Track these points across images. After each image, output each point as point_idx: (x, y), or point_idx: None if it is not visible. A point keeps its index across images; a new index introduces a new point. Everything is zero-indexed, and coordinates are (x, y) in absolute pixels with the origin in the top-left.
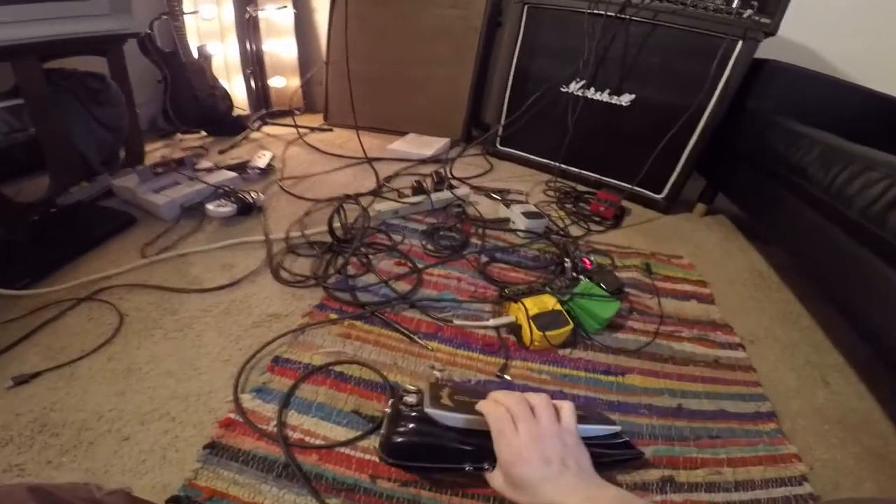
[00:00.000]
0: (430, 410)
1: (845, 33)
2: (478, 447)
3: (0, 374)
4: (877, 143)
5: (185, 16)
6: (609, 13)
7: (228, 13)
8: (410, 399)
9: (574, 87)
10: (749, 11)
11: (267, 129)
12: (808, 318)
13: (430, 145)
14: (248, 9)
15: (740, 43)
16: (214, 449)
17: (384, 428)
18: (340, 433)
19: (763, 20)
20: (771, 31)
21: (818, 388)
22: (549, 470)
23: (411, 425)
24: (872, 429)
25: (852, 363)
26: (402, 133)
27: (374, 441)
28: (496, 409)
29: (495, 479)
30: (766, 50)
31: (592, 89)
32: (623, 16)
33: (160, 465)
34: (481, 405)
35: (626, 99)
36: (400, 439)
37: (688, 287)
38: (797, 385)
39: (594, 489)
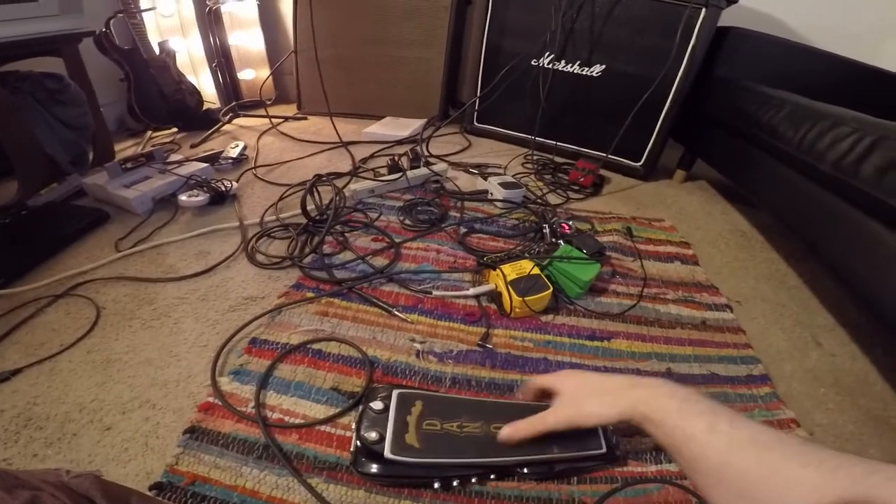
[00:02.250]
0: (391, 456)
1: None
2: (459, 469)
3: None
4: (842, 106)
5: (141, 13)
6: None
7: (188, 8)
8: (377, 406)
9: (544, 61)
10: None
11: (239, 121)
12: (794, 277)
13: (407, 126)
14: (208, 2)
15: (703, 10)
16: (195, 433)
17: (354, 435)
18: (320, 411)
19: None
20: None
21: (810, 349)
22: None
23: (374, 467)
24: (870, 391)
25: (843, 323)
26: (379, 117)
27: (353, 418)
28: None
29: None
30: (734, 18)
31: (563, 62)
32: None
33: (143, 452)
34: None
35: (596, 70)
36: (367, 472)
37: (671, 248)
38: (788, 346)
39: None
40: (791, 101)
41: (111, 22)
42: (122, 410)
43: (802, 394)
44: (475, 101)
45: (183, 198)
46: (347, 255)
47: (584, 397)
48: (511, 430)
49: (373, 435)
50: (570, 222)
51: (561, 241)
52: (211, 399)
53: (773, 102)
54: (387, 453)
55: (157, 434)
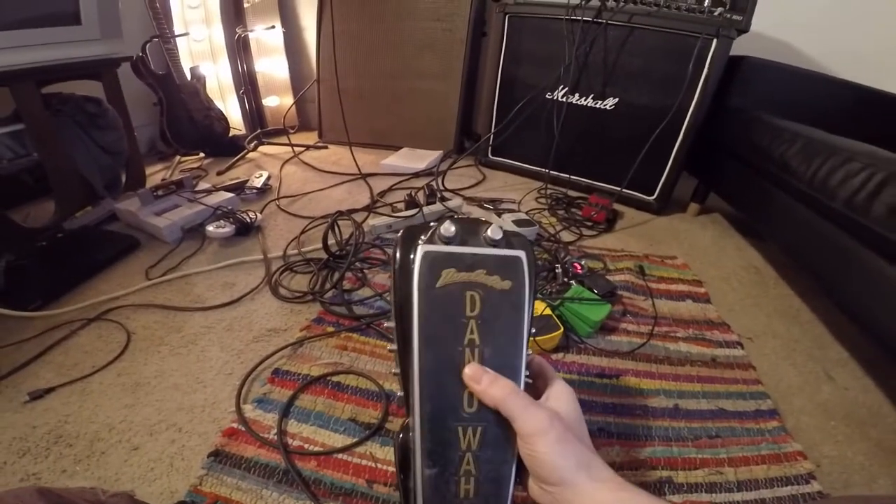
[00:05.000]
0: (426, 248)
1: (822, 26)
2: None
3: (16, 389)
4: (859, 134)
5: (175, 38)
6: (586, 18)
7: (218, 34)
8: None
9: (558, 94)
10: (720, 9)
11: (263, 148)
12: (807, 312)
13: (423, 158)
14: (237, 30)
15: (715, 41)
16: (218, 457)
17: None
18: (338, 440)
19: (735, 17)
20: (743, 28)
21: (822, 383)
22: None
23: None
24: (882, 423)
25: (857, 357)
26: (396, 147)
27: (370, 447)
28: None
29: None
30: (749, 47)
31: (577, 95)
32: (600, 20)
33: (167, 472)
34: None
35: (609, 103)
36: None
37: (682, 287)
38: (799, 381)
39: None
40: (804, 135)
41: (147, 46)
42: (149, 432)
43: (812, 427)
44: (490, 135)
45: (210, 228)
46: (366, 292)
47: (564, 427)
48: (476, 373)
49: (452, 229)
50: (583, 262)
51: (573, 282)
52: (235, 425)
53: (785, 136)
54: (423, 246)
55: (183, 456)
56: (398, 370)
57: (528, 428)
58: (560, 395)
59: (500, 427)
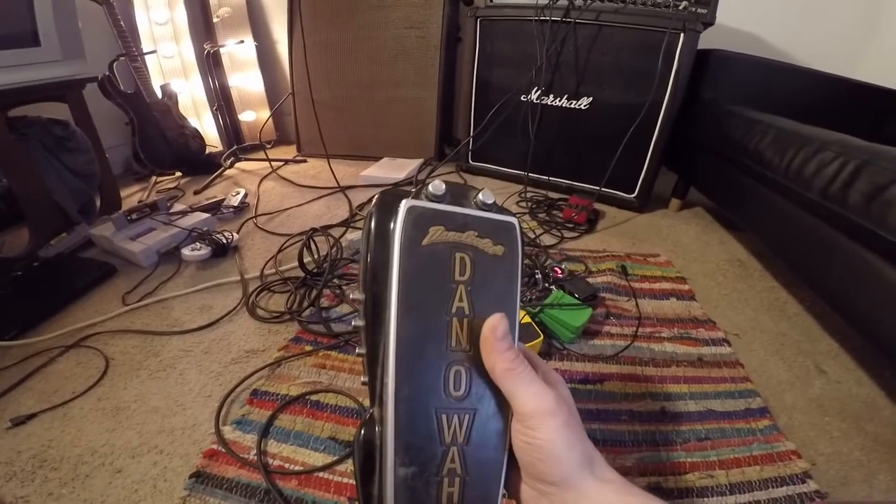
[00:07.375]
0: (411, 203)
1: (788, 17)
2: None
3: None
4: (830, 122)
5: (143, 56)
6: (555, 18)
7: (188, 50)
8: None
9: (533, 96)
10: (685, 3)
11: (241, 164)
12: (794, 304)
13: (404, 168)
14: (205, 45)
15: (682, 35)
16: (200, 478)
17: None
18: (318, 459)
19: (700, 10)
20: (709, 21)
21: (813, 377)
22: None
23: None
24: (878, 416)
25: (847, 348)
26: (376, 158)
27: (351, 465)
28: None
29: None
30: (720, 41)
31: (551, 96)
32: (568, 20)
33: (151, 493)
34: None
35: (584, 102)
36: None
37: (666, 285)
38: (789, 377)
39: None
40: (776, 126)
41: (114, 65)
42: (131, 455)
43: (805, 424)
44: (468, 141)
45: (186, 252)
46: (344, 308)
47: (570, 412)
48: (501, 326)
49: (442, 188)
50: (563, 265)
51: (553, 287)
52: (215, 446)
53: (758, 128)
54: (409, 201)
55: (165, 477)
56: (363, 350)
57: (530, 406)
58: (556, 381)
59: (492, 414)
